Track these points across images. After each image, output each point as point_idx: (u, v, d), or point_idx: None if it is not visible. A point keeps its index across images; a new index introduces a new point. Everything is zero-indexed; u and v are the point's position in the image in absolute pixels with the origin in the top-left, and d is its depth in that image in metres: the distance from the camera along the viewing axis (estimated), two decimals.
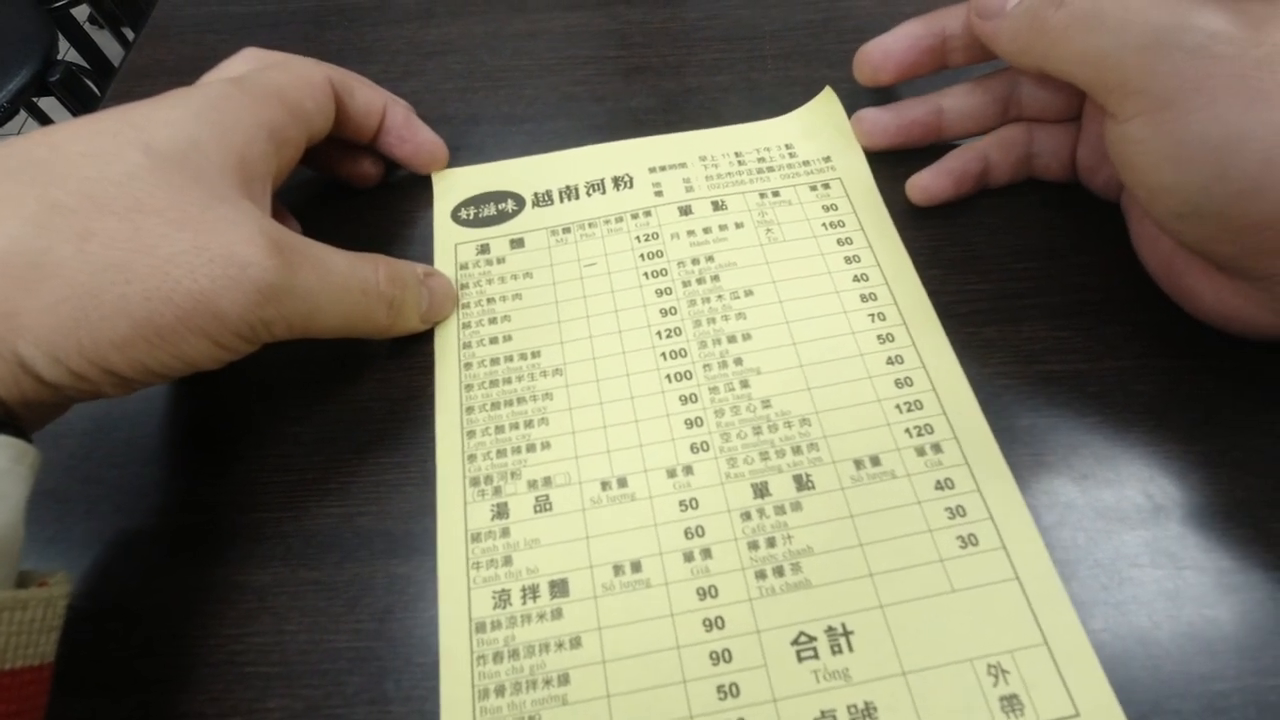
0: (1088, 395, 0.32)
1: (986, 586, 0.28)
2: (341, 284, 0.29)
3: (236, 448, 0.33)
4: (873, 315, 0.34)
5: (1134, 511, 0.29)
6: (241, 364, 0.29)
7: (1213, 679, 0.26)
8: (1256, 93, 0.25)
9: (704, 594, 0.28)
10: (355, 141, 0.39)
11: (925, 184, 0.36)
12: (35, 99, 1.21)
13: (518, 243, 0.38)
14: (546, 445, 0.32)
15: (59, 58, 1.19)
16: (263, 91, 0.31)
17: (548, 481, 0.31)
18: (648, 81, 0.44)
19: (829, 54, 0.44)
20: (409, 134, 0.39)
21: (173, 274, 0.24)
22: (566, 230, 0.38)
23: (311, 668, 0.28)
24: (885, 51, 0.37)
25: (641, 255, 0.37)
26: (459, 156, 0.41)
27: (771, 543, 0.29)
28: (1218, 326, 0.31)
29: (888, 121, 0.38)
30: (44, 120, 1.30)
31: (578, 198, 0.39)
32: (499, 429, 0.32)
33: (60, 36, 1.24)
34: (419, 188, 0.40)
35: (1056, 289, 0.34)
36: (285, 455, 0.33)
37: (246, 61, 0.35)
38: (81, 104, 1.22)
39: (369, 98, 0.38)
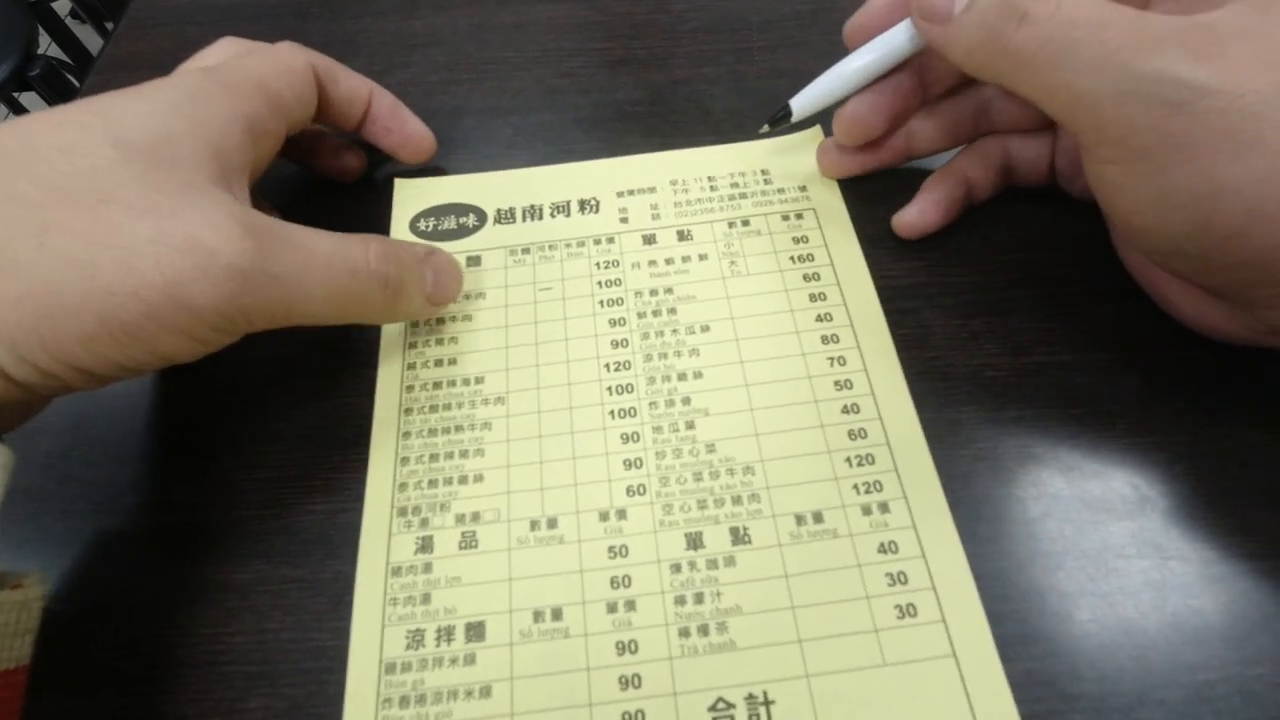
0: (1075, 387, 0.32)
1: (921, 662, 0.27)
2: (325, 264, 0.28)
3: (216, 445, 0.33)
4: (832, 359, 0.33)
5: (1120, 502, 0.30)
6: (220, 360, 0.29)
7: (1199, 668, 0.26)
8: (1239, 145, 0.24)
9: (623, 649, 0.27)
10: (338, 130, 0.39)
11: (912, 220, 0.35)
12: (15, 94, 1.22)
13: (474, 260, 0.37)
14: (479, 478, 0.31)
15: (40, 52, 1.20)
16: (240, 81, 0.31)
17: (476, 517, 0.30)
18: (634, 74, 0.45)
19: (816, 46, 0.45)
20: (395, 124, 0.39)
21: (137, 266, 0.24)
22: (526, 251, 0.37)
23: (294, 666, 0.28)
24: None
25: (599, 283, 0.36)
26: (443, 149, 0.41)
27: (700, 599, 0.28)
28: (1196, 331, 0.32)
29: (852, 152, 0.37)
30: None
31: (540, 218, 0.38)
32: (433, 457, 0.32)
33: (42, 31, 1.25)
34: (377, 194, 0.40)
35: (1043, 280, 0.35)
36: (266, 452, 0.33)
37: (224, 50, 0.34)
38: (62, 99, 1.22)
39: (353, 85, 0.37)
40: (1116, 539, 0.29)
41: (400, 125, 0.39)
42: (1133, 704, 0.26)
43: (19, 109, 1.29)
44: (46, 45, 1.27)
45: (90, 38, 1.43)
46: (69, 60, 1.34)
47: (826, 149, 0.38)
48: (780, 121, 0.37)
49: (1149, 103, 0.25)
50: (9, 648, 0.23)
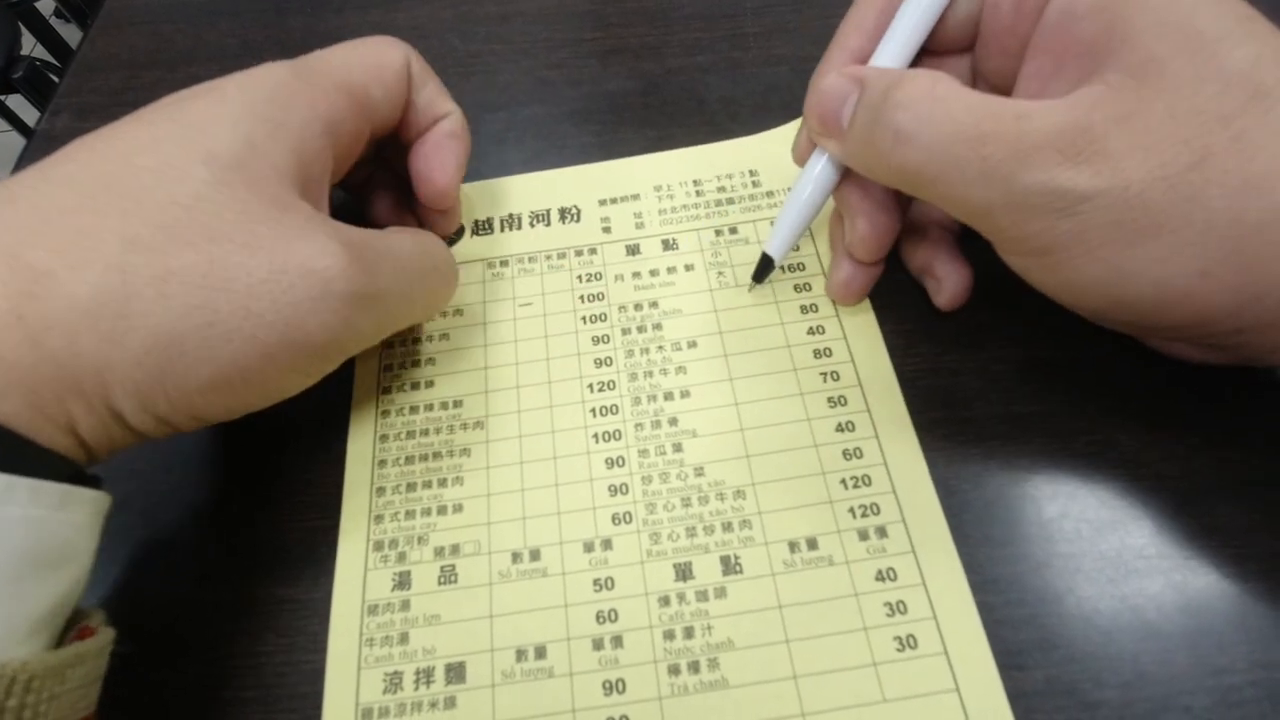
0: (1085, 379, 0.32)
1: (922, 698, 0.26)
2: (416, 269, 0.29)
3: (207, 450, 0.33)
4: (825, 374, 0.32)
5: (1139, 500, 0.29)
6: None
7: (1225, 671, 0.26)
8: (1134, 233, 0.24)
9: (610, 689, 0.27)
10: (402, 140, 0.35)
11: (955, 290, 0.33)
12: (1, 97, 1.22)
13: None
14: (459, 508, 0.30)
15: (25, 53, 1.20)
16: (322, 77, 0.30)
17: (455, 550, 0.30)
18: (626, 64, 0.45)
19: (814, 30, 0.44)
20: (432, 155, 0.34)
21: (254, 309, 0.24)
22: (504, 264, 0.37)
23: (289, 690, 0.28)
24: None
25: (581, 297, 0.35)
26: None
27: (689, 633, 0.27)
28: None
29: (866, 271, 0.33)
30: (12, 118, 1.31)
31: (520, 228, 0.38)
32: (410, 487, 0.31)
33: (26, 32, 1.25)
34: (350, 204, 0.39)
35: None
36: (257, 463, 0.32)
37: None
38: (48, 100, 1.22)
39: (434, 99, 0.34)
40: (1136, 539, 0.28)
41: (432, 159, 0.33)
42: (1157, 710, 0.25)
43: (5, 111, 1.28)
44: (32, 46, 1.26)
45: (74, 36, 1.42)
46: (54, 61, 1.33)
47: (840, 283, 0.34)
48: (765, 273, 0.34)
49: (1037, 212, 0.25)
50: (84, 697, 0.22)
